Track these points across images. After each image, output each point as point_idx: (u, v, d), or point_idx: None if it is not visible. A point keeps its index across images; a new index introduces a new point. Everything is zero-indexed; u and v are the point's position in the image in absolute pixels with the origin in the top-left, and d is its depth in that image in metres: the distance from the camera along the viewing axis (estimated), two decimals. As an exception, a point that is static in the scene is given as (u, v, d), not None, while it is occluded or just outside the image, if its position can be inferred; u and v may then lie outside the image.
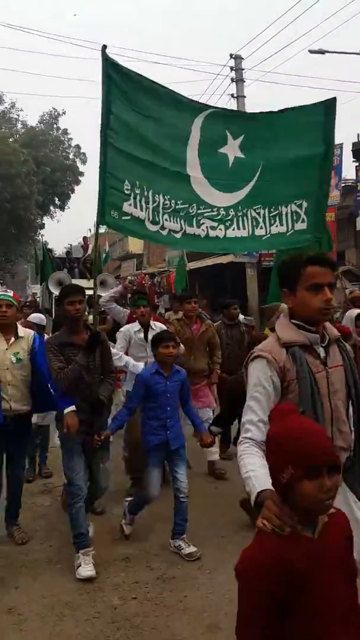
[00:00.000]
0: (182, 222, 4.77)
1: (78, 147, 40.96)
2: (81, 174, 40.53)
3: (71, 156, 40.53)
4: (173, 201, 4.72)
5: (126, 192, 4.43)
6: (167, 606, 3.65)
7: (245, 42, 43.73)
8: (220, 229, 4.90)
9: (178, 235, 4.80)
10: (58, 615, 3.58)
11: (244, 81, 17.49)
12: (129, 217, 4.49)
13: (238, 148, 4.91)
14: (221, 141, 4.87)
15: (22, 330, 4.67)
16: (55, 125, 41.43)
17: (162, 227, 4.69)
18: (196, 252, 20.10)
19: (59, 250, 32.51)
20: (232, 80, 17.37)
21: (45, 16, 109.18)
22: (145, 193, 4.58)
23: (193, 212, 4.81)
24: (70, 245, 24.62)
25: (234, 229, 4.94)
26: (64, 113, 41.27)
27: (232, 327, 7.07)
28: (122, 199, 4.42)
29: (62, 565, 4.22)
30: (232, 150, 4.91)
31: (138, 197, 4.52)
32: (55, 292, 12.43)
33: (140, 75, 4.52)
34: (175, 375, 4.58)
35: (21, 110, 41.25)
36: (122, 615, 3.59)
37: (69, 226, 58.65)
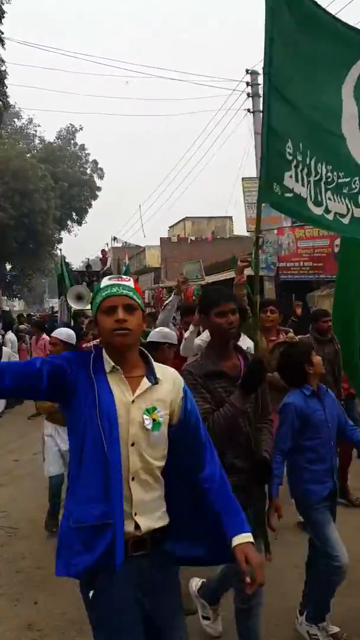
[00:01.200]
0: (348, 201, 3.54)
1: (95, 162, 41.65)
2: (98, 188, 41.14)
3: (88, 171, 41.19)
4: (335, 173, 3.48)
5: (288, 156, 3.21)
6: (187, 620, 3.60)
7: (261, 57, 44.01)
8: None
9: (345, 220, 3.56)
10: (78, 631, 3.54)
11: (260, 96, 17.60)
12: (291, 195, 3.26)
13: None
14: None
15: (162, 367, 2.29)
16: (72, 141, 42.14)
17: (327, 210, 3.45)
18: (213, 265, 20.13)
19: (76, 264, 32.79)
20: (249, 95, 17.51)
21: (57, 33, 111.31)
22: (308, 161, 3.32)
23: (356, 188, 3.56)
24: (88, 259, 24.84)
25: None
26: (81, 129, 42.06)
27: (324, 343, 5.70)
28: (282, 168, 3.21)
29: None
30: None
31: (300, 165, 3.28)
32: (75, 306, 12.51)
33: None
34: (328, 397, 3.47)
35: (39, 126, 42.08)
36: (143, 632, 3.55)
37: (86, 240, 59.21)
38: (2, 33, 17.99)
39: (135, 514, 2.08)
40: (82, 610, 3.71)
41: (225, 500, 2.21)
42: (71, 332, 5.26)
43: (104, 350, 2.17)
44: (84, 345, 9.37)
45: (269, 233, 16.71)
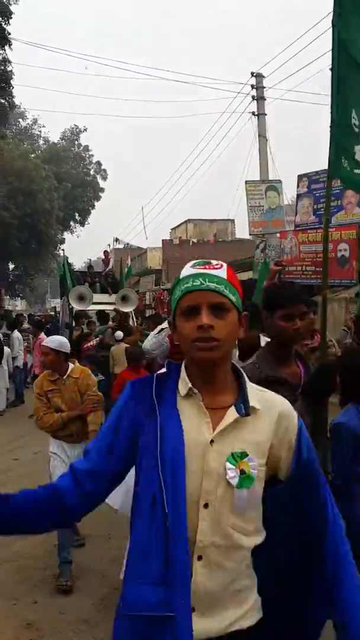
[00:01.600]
0: None
1: (99, 163, 41.70)
2: (101, 190, 41.23)
3: (92, 172, 41.24)
4: None
5: (355, 127, 2.89)
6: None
7: (266, 61, 44.16)
8: None
9: None
10: (75, 631, 3.55)
11: (265, 99, 17.66)
12: None
13: None
14: None
15: (264, 392, 1.53)
16: (76, 142, 42.21)
17: None
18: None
19: (78, 264, 32.83)
20: (253, 98, 17.56)
21: (61, 34, 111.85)
22: None
23: None
24: (90, 260, 24.91)
25: None
26: (85, 130, 42.10)
27: None
28: (352, 141, 2.90)
29: (81, 581, 4.20)
30: None
31: None
32: (76, 306, 12.52)
33: None
34: None
35: (43, 126, 42.15)
36: (141, 633, 3.55)
37: (88, 241, 59.33)
38: (9, 34, 18.02)
39: (194, 610, 1.36)
40: (81, 612, 3.75)
41: (354, 597, 1.46)
42: (64, 339, 4.67)
43: (183, 366, 1.53)
44: (85, 346, 9.39)
45: (271, 237, 16.74)
